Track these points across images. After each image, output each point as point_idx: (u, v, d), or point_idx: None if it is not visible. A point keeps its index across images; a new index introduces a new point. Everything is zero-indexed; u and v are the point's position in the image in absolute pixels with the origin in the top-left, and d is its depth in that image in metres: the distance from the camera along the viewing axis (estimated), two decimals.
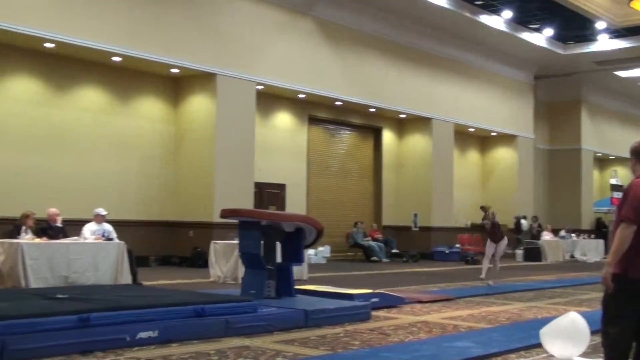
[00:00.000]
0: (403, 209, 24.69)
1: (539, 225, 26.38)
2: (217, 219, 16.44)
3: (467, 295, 11.90)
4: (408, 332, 7.82)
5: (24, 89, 16.04)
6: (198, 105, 18.33)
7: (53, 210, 12.63)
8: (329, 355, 6.46)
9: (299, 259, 9.71)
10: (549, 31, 25.16)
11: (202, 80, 18.07)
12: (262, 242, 9.11)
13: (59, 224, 12.54)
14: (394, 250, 23.07)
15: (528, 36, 25.31)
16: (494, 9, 22.97)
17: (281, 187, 21.10)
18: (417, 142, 24.78)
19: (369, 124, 24.20)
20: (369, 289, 10.63)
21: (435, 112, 24.32)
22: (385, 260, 22.02)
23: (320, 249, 20.43)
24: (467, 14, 22.58)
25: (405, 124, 24.99)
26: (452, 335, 7.71)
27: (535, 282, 14.97)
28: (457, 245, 23.98)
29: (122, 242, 12.35)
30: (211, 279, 13.83)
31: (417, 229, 24.32)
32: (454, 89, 25.11)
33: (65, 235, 12.34)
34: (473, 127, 26.60)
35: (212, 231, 16.85)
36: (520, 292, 12.81)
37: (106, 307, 6.67)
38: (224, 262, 13.84)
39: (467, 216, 25.43)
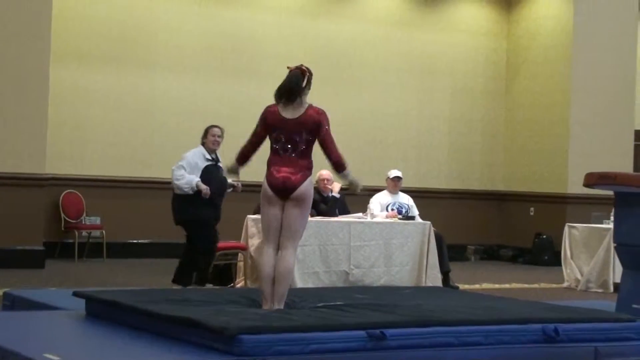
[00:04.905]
0: None
1: None
2: (573, 188, 16.21)
3: None
4: None
5: None
6: (545, 10, 18.21)
7: (324, 174, 12.77)
8: None
9: None
10: None
11: None
12: None
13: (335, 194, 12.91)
14: None
15: None
16: None
17: None
18: None
19: None
20: None
21: None
22: None
23: None
24: None
25: None
26: None
27: None
28: None
29: (428, 223, 12.53)
30: (564, 284, 13.81)
31: None
32: None
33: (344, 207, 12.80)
34: None
35: (566, 208, 16.80)
36: None
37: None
38: (586, 257, 13.62)
39: None
